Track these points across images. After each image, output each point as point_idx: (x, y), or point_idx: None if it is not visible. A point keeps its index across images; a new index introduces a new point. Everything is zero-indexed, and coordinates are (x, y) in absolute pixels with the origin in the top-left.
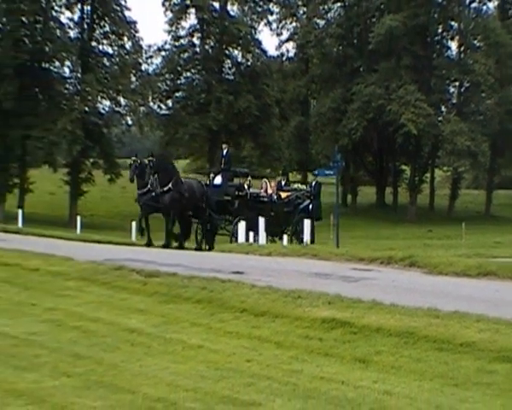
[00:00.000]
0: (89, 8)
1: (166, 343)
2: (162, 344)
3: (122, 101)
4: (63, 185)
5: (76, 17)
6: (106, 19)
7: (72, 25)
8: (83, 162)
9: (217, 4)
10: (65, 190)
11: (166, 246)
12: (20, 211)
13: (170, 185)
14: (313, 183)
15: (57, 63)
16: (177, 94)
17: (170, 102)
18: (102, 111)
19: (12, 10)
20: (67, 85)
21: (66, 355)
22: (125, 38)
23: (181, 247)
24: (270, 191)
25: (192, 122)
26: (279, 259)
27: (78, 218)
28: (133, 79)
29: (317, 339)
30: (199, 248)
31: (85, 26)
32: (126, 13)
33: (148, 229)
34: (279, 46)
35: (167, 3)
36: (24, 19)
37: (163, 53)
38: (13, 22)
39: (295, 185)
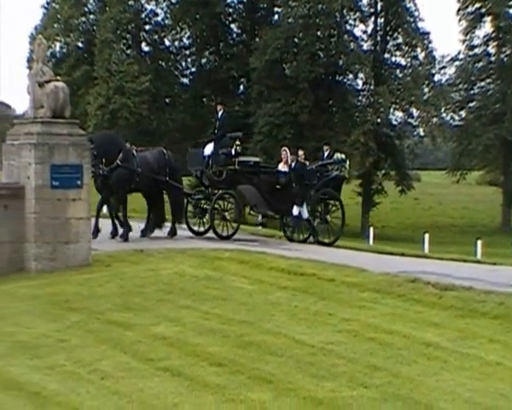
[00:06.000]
0: (382, 20)
1: (463, 359)
2: (459, 359)
3: (414, 112)
4: (355, 196)
5: (369, 30)
6: (399, 30)
7: (365, 37)
8: (374, 174)
9: None
10: (356, 202)
11: (142, 232)
12: None
13: (117, 161)
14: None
15: (350, 76)
16: (470, 104)
17: (463, 113)
18: (395, 123)
19: (308, 25)
20: (360, 97)
21: (363, 366)
22: (418, 49)
23: (152, 229)
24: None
25: (486, 133)
26: None
27: (371, 229)
28: (426, 89)
29: None
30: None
31: (378, 38)
32: (420, 24)
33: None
34: None
35: (462, 12)
36: (319, 33)
37: (456, 63)
38: (309, 37)
39: (336, 155)
